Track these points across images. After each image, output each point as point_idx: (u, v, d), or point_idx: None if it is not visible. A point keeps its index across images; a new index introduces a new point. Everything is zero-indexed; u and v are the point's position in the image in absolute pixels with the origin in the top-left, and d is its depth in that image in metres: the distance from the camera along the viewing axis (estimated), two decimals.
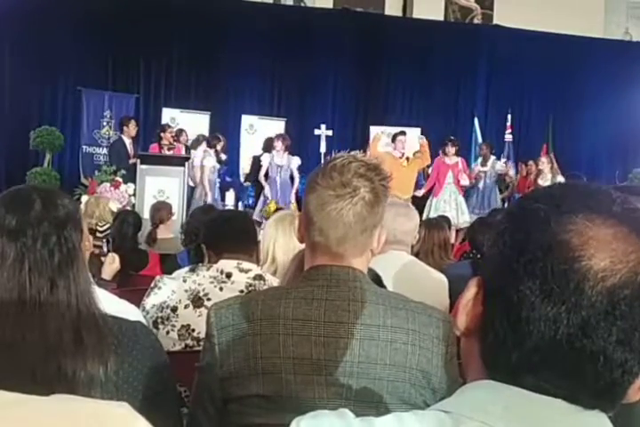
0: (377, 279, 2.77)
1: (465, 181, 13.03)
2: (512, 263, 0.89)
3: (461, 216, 12.49)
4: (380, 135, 12.67)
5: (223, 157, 12.53)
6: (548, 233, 0.88)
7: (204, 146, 12.15)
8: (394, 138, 12.45)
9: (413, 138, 13.79)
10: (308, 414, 0.97)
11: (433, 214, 11.47)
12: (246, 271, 3.04)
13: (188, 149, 12.13)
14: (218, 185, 12.37)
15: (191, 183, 11.89)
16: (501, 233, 0.94)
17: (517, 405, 0.88)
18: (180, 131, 12.46)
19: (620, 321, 0.84)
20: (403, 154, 12.22)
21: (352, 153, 1.89)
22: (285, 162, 12.37)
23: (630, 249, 0.86)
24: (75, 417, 0.92)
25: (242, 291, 2.95)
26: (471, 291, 0.96)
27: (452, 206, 12.68)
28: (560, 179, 12.53)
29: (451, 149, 12.91)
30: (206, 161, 11.94)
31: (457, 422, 0.89)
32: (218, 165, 12.22)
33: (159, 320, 2.99)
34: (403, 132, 12.76)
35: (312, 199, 1.82)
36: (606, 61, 15.68)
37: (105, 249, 6.15)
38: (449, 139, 13.30)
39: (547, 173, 12.77)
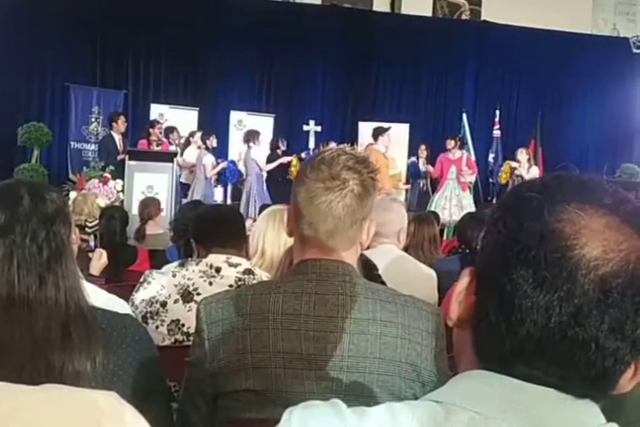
0: (369, 265, 2.78)
1: (470, 178, 13.01)
2: (505, 252, 0.90)
3: (460, 213, 12.39)
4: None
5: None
6: (541, 222, 0.88)
7: (197, 143, 12.22)
8: (381, 132, 12.24)
9: (402, 133, 13.86)
10: (301, 405, 0.97)
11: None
12: (235, 266, 3.04)
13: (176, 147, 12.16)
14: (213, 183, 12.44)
15: (184, 180, 11.98)
16: (495, 222, 0.94)
17: (509, 394, 0.89)
18: (172, 129, 12.44)
19: (612, 309, 0.85)
20: (386, 149, 12.07)
21: (340, 146, 1.89)
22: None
23: (622, 239, 0.86)
24: (63, 405, 0.92)
25: (231, 285, 2.95)
26: (464, 280, 0.97)
27: (453, 203, 12.64)
28: (535, 170, 12.67)
29: (450, 142, 12.89)
30: (206, 159, 12.01)
31: (449, 412, 0.89)
32: (215, 162, 12.29)
33: (148, 315, 2.98)
34: (389, 128, 12.64)
35: (301, 192, 1.81)
36: (594, 57, 15.72)
37: (92, 244, 6.14)
38: (449, 135, 13.37)
39: (524, 163, 12.82)
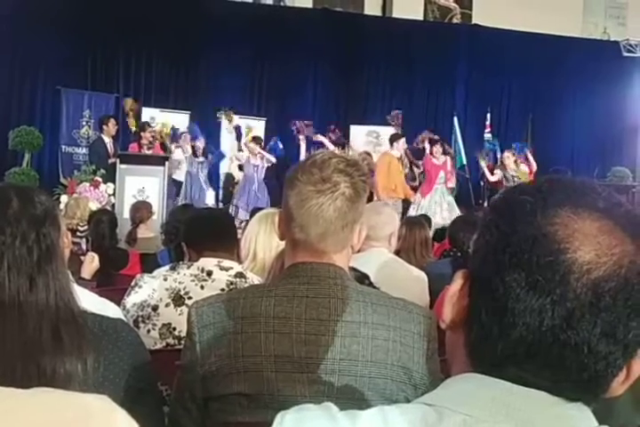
0: (363, 278, 2.77)
1: (451, 183, 13.09)
2: (498, 255, 0.90)
3: (450, 217, 12.40)
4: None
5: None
6: (534, 225, 0.88)
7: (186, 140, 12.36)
8: (395, 139, 12.50)
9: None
10: (293, 409, 0.96)
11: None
12: (227, 269, 3.03)
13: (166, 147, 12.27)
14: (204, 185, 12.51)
15: (175, 176, 12.07)
16: (487, 225, 0.94)
17: (501, 397, 0.88)
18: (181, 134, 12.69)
19: (604, 313, 0.85)
20: (401, 154, 12.40)
21: (331, 150, 1.89)
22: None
23: (615, 242, 0.86)
24: (54, 409, 0.92)
25: (223, 289, 2.94)
26: (457, 283, 0.96)
27: (444, 207, 12.67)
28: (523, 167, 12.69)
29: (439, 149, 12.93)
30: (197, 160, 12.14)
31: (441, 415, 0.89)
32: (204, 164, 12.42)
33: (140, 319, 2.97)
34: (404, 135, 12.88)
35: (292, 195, 1.81)
36: (584, 61, 15.77)
37: (84, 248, 6.12)
38: (434, 140, 13.35)
39: (510, 165, 12.82)
